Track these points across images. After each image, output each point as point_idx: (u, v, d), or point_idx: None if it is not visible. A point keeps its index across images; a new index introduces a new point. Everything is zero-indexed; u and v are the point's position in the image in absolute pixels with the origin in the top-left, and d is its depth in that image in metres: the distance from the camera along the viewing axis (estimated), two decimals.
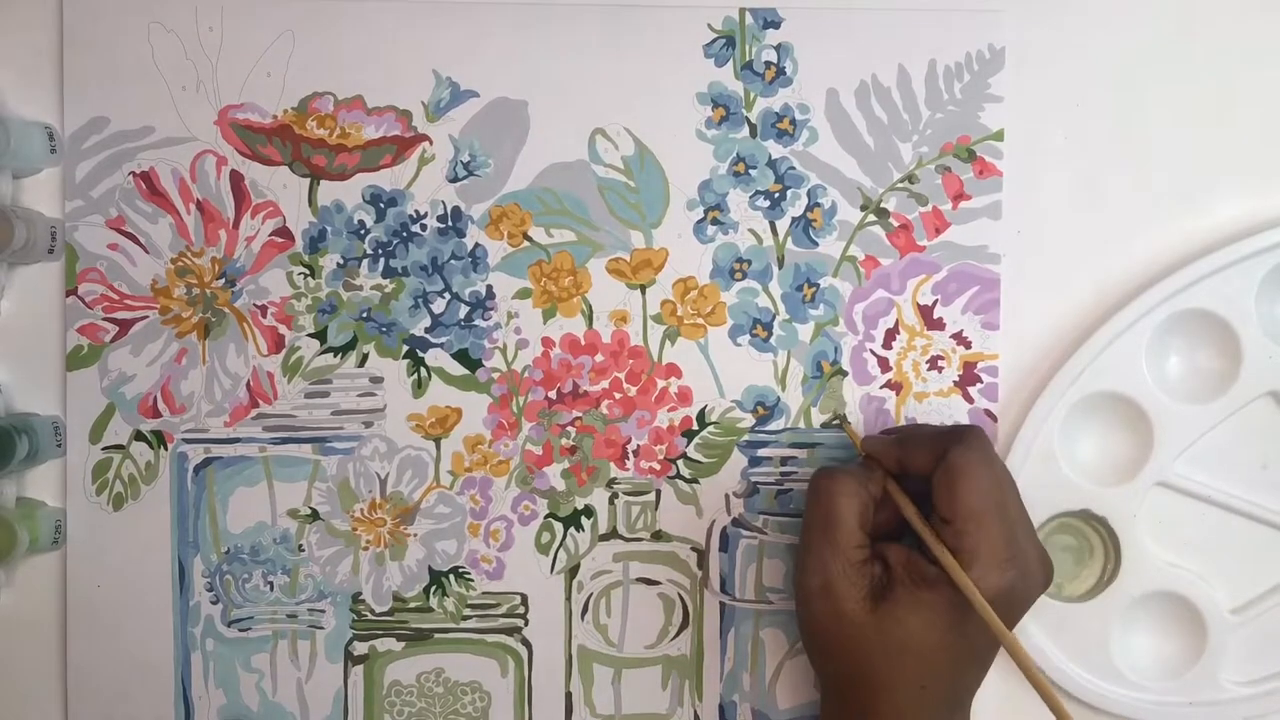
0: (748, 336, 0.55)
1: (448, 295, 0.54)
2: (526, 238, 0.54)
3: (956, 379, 0.55)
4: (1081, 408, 0.54)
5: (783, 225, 0.55)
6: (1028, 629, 0.54)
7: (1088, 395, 0.53)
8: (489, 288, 0.54)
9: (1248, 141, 0.55)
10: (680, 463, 0.55)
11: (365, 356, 0.54)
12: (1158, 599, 0.54)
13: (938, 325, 0.55)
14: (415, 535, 0.55)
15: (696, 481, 0.55)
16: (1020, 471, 0.53)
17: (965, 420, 0.55)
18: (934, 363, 0.55)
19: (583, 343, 0.55)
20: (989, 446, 0.49)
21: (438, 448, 0.55)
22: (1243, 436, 0.54)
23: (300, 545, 0.55)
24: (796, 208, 0.55)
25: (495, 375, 0.55)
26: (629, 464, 0.55)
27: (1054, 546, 0.55)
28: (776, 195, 0.55)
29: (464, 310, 0.54)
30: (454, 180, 0.54)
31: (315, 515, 0.55)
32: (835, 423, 0.54)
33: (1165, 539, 0.54)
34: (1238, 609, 0.55)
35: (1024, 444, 0.54)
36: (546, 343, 0.55)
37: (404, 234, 0.54)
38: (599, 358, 0.55)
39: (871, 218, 0.55)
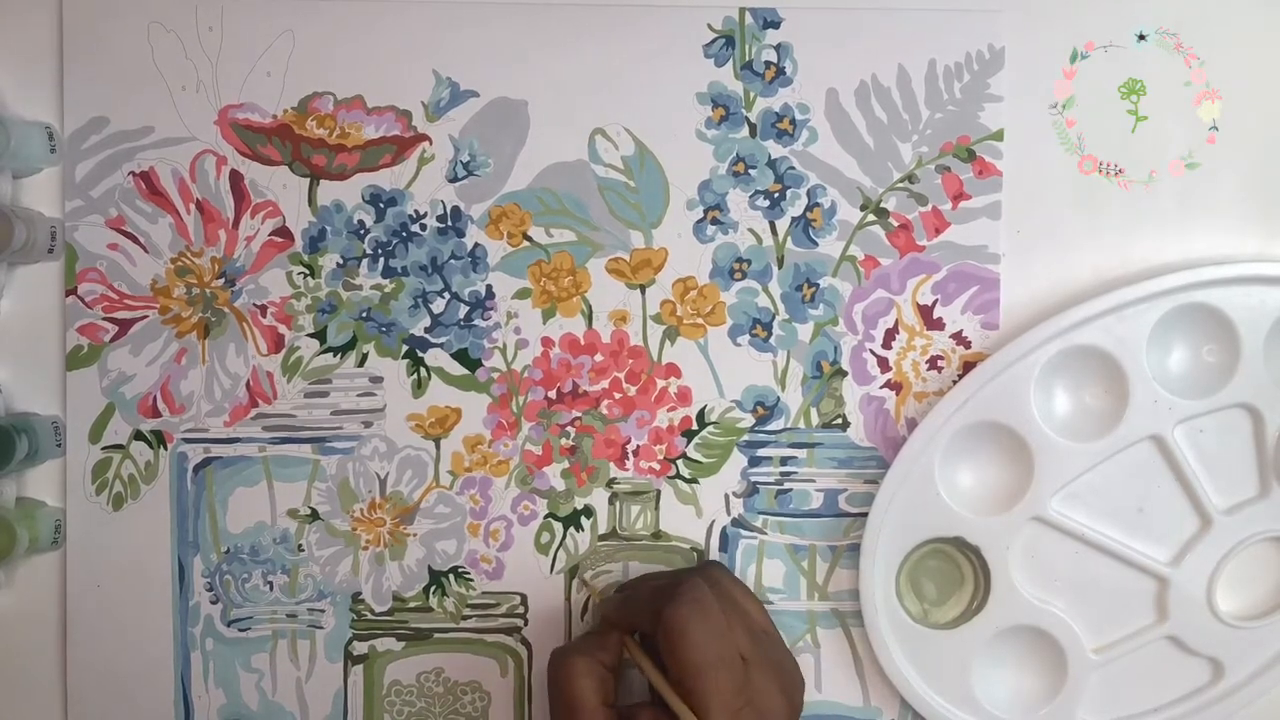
0: (747, 336, 0.55)
1: (447, 295, 0.54)
2: (526, 238, 0.54)
3: (956, 379, 0.55)
4: (965, 435, 0.53)
5: (782, 225, 0.55)
6: (890, 651, 0.54)
7: (972, 424, 0.53)
8: (489, 288, 0.54)
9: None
10: (680, 463, 0.55)
11: (365, 356, 0.54)
12: (1022, 633, 0.54)
13: (937, 325, 0.55)
14: (415, 535, 0.55)
15: (696, 481, 0.55)
16: (898, 494, 0.53)
17: None
18: (934, 363, 0.55)
19: (582, 343, 0.55)
20: (706, 591, 0.48)
21: (437, 448, 0.55)
22: (1122, 478, 0.54)
23: (300, 545, 0.55)
24: (796, 208, 0.55)
25: (495, 375, 0.55)
26: (629, 464, 0.55)
27: (924, 570, 0.55)
28: (776, 195, 0.55)
29: (464, 310, 0.54)
30: (454, 180, 0.54)
31: (315, 515, 0.55)
32: (581, 590, 0.54)
33: (1036, 574, 0.54)
34: (1100, 649, 0.54)
35: (904, 466, 0.53)
36: (546, 343, 0.55)
37: (404, 234, 0.54)
38: (599, 358, 0.55)
39: (871, 218, 0.55)
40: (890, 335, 0.55)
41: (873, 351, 0.55)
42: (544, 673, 0.55)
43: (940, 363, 0.55)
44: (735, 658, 0.47)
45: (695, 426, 0.55)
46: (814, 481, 0.55)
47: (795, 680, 0.50)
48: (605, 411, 0.55)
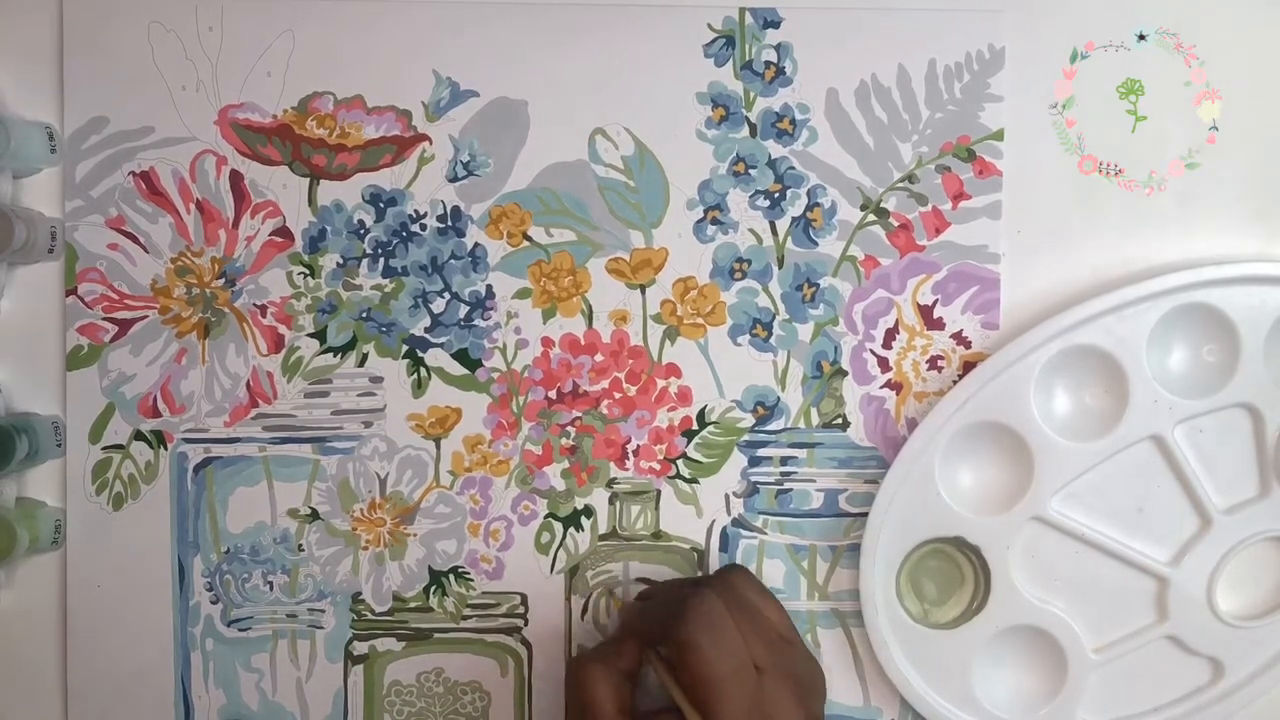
0: (748, 336, 0.55)
1: (447, 295, 0.54)
2: (526, 237, 0.54)
3: (956, 379, 0.55)
4: (965, 435, 0.53)
5: (783, 225, 0.55)
6: (890, 651, 0.54)
7: (972, 424, 0.53)
8: (489, 287, 0.54)
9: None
10: (680, 463, 0.55)
11: (365, 356, 0.54)
12: (1023, 633, 0.54)
13: (937, 325, 0.55)
14: (415, 535, 0.55)
15: (696, 481, 0.55)
16: (898, 494, 0.53)
17: None
18: (934, 363, 0.55)
19: (582, 343, 0.55)
20: (717, 603, 0.48)
21: (437, 448, 0.55)
22: (1122, 478, 0.53)
23: (300, 545, 0.55)
24: (796, 207, 0.55)
25: (495, 375, 0.55)
26: (629, 464, 0.55)
27: (924, 570, 0.54)
28: (776, 195, 0.55)
29: (464, 310, 0.54)
30: (454, 180, 0.54)
31: (315, 515, 0.55)
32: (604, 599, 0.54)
33: (1036, 574, 0.54)
34: (1100, 649, 0.54)
35: (904, 466, 0.53)
36: (546, 342, 0.55)
37: (404, 234, 0.54)
38: (599, 358, 0.55)
39: (871, 217, 0.55)
40: (890, 335, 0.55)
41: (873, 351, 0.55)
42: (544, 672, 0.55)
43: (940, 363, 0.55)
44: (747, 671, 0.47)
45: (695, 426, 0.55)
46: (814, 481, 0.55)
47: (814, 687, 0.50)
48: (605, 411, 0.55)
